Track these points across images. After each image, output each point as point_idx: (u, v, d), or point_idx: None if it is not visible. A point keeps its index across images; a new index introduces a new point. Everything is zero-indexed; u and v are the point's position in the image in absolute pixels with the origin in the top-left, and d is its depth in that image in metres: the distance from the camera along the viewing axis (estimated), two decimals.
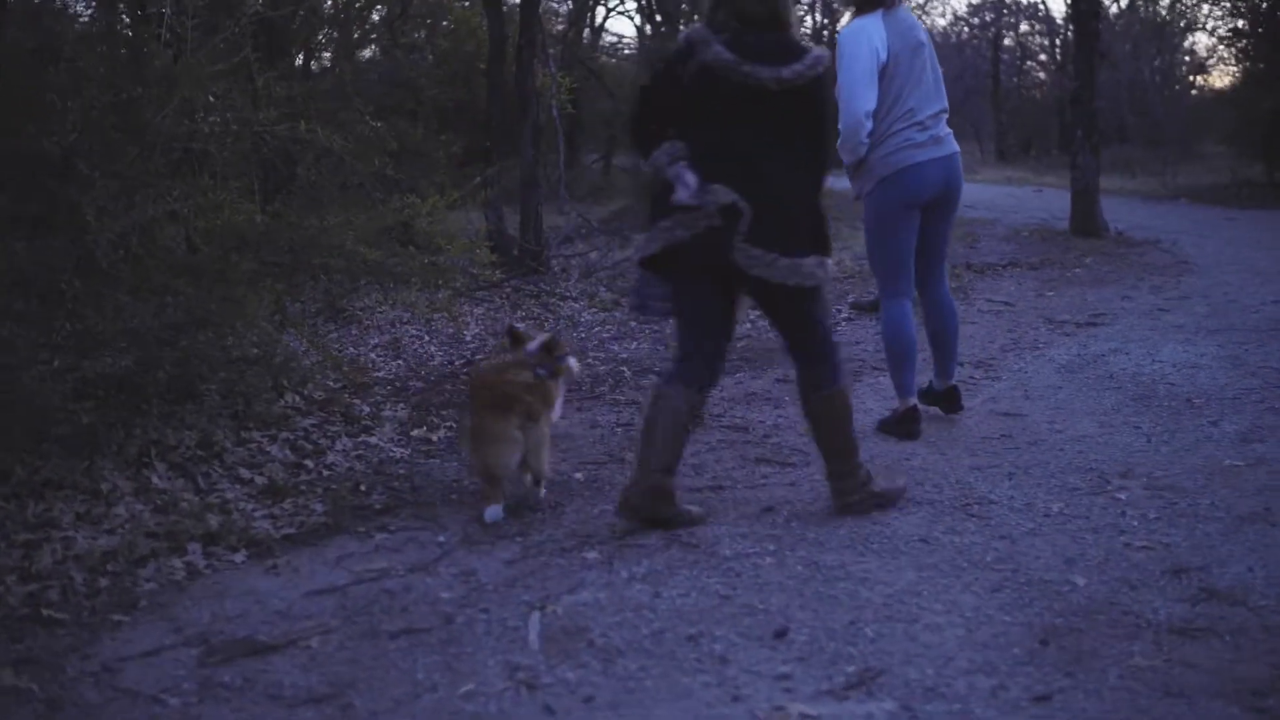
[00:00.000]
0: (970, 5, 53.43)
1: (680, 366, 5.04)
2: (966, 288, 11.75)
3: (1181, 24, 37.84)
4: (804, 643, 3.75)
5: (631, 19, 32.58)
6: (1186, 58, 40.49)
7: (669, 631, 3.87)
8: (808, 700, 3.38)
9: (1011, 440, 6.07)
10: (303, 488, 5.57)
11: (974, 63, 46.36)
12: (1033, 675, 3.49)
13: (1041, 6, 46.20)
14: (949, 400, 6.66)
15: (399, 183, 8.62)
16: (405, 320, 10.25)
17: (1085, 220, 16.49)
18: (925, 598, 4.09)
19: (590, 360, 8.59)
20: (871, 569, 4.38)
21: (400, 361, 8.79)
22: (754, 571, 4.39)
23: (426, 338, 9.80)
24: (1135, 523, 4.78)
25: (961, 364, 7.56)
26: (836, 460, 5.03)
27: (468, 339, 9.69)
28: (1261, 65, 25.12)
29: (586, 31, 32.86)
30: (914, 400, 6.36)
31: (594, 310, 11.00)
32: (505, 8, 16.43)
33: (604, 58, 31.98)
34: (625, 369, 8.26)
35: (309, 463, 6.00)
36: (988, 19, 48.13)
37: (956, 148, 6.32)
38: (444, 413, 7.04)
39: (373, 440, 6.44)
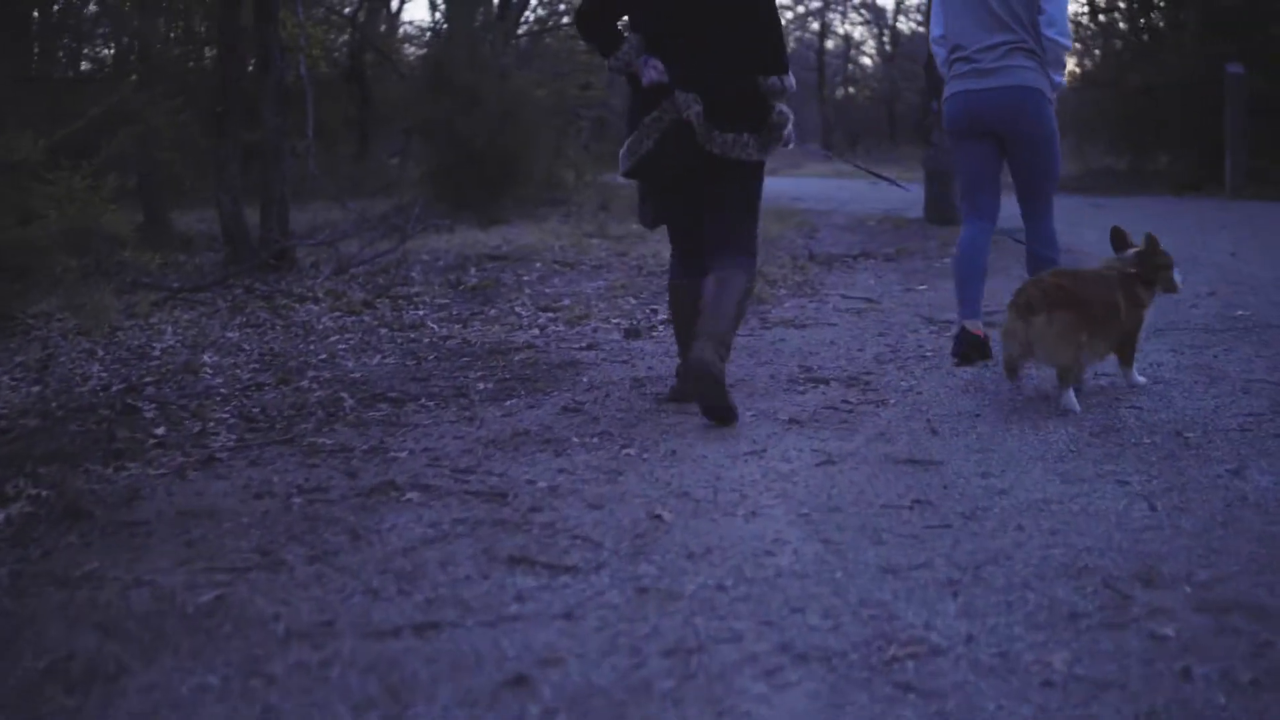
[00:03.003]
0: None
1: (686, 263, 5.55)
2: (814, 282, 9.64)
3: None
4: None
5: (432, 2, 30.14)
6: None
7: None
8: None
9: (933, 511, 3.80)
10: None
11: (801, 55, 45.14)
12: None
13: None
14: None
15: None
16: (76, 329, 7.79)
17: (942, 206, 14.58)
18: None
19: (305, 383, 6.20)
20: None
21: (39, 388, 6.33)
22: None
23: (103, 353, 7.31)
24: (1219, 695, 2.54)
25: (827, 381, 5.79)
26: (717, 331, 5.04)
27: (155, 353, 7.23)
28: (1119, 44, 24.04)
29: (384, 14, 30.72)
30: (967, 323, 6.33)
31: (336, 314, 8.58)
32: None
33: (405, 45, 29.71)
34: (348, 395, 5.86)
35: None
36: (812, 7, 46.88)
37: (1006, 81, 6.30)
38: (43, 471, 4.56)
39: None
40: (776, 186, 27.63)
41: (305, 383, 6.23)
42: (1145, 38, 23.91)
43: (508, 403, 5.58)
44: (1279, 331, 6.81)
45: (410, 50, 29.48)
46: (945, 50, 6.55)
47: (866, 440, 4.70)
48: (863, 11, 47.54)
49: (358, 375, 6.43)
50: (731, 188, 5.38)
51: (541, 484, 4.19)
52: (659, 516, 3.77)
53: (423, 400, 5.71)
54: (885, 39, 44.65)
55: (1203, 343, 6.51)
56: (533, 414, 5.33)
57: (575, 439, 4.80)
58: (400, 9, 30.53)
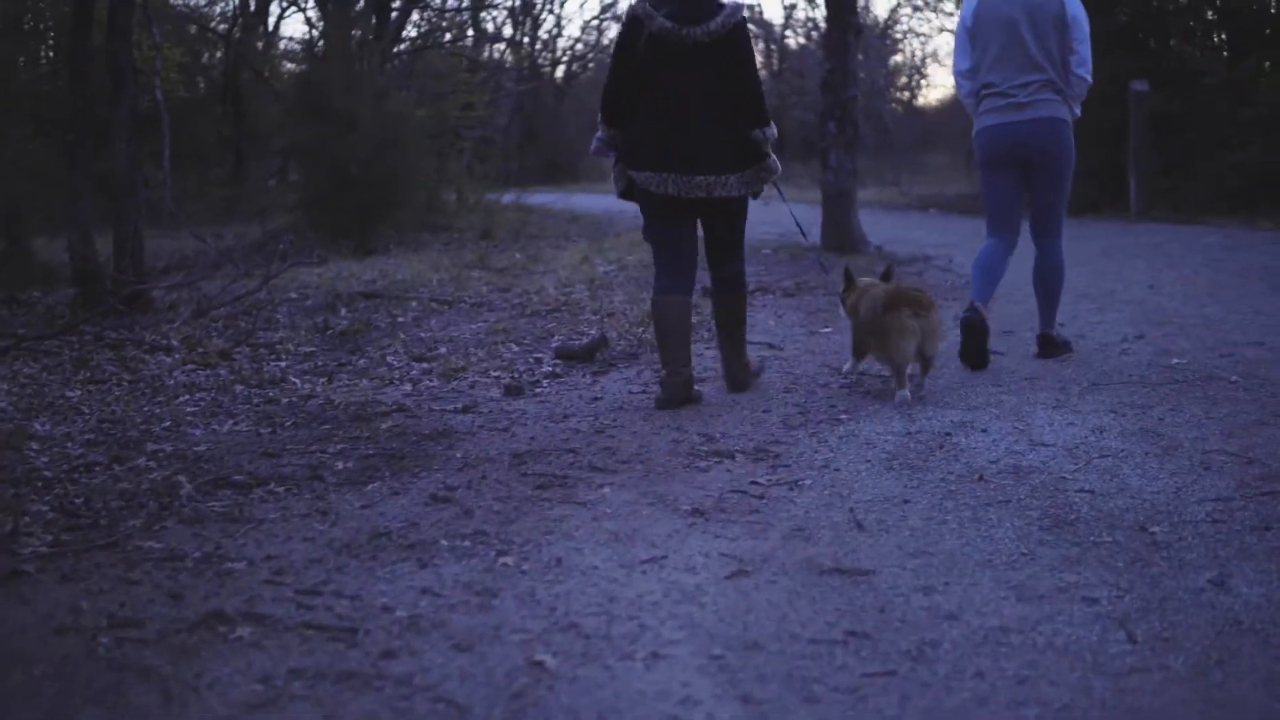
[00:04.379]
0: None
1: (674, 280, 6.52)
2: (709, 322, 8.99)
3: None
4: None
5: (307, 18, 29.24)
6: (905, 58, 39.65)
7: None
8: None
9: (871, 648, 3.17)
10: None
11: None
12: None
13: (758, 5, 44.61)
14: (1042, 345, 7.47)
15: None
16: None
17: (841, 233, 14.07)
18: None
19: (142, 460, 5.46)
20: None
21: None
22: None
23: None
24: None
25: (733, 455, 5.16)
26: (735, 350, 6.72)
27: None
28: None
29: (262, 30, 29.83)
30: (978, 303, 7.16)
31: (190, 367, 7.83)
32: None
33: (283, 62, 28.79)
34: (188, 478, 5.12)
35: None
36: None
37: (1040, 114, 7.13)
38: None
39: None
40: None
41: (142, 460, 5.48)
42: None
43: (369, 487, 4.89)
44: (1223, 385, 6.31)
45: (289, 67, 28.63)
46: (971, 84, 7.39)
47: (783, 538, 4.08)
48: (750, 26, 47.14)
49: (203, 449, 5.70)
50: (723, 221, 6.62)
51: (400, 612, 3.50)
52: (540, 664, 3.11)
53: (272, 484, 4.99)
54: (773, 54, 44.20)
55: (1144, 400, 5.99)
56: (396, 505, 4.64)
57: (444, 541, 4.12)
58: (278, 24, 29.59)
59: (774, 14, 52.89)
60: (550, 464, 5.17)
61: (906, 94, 41.34)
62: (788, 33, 46.75)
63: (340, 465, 5.28)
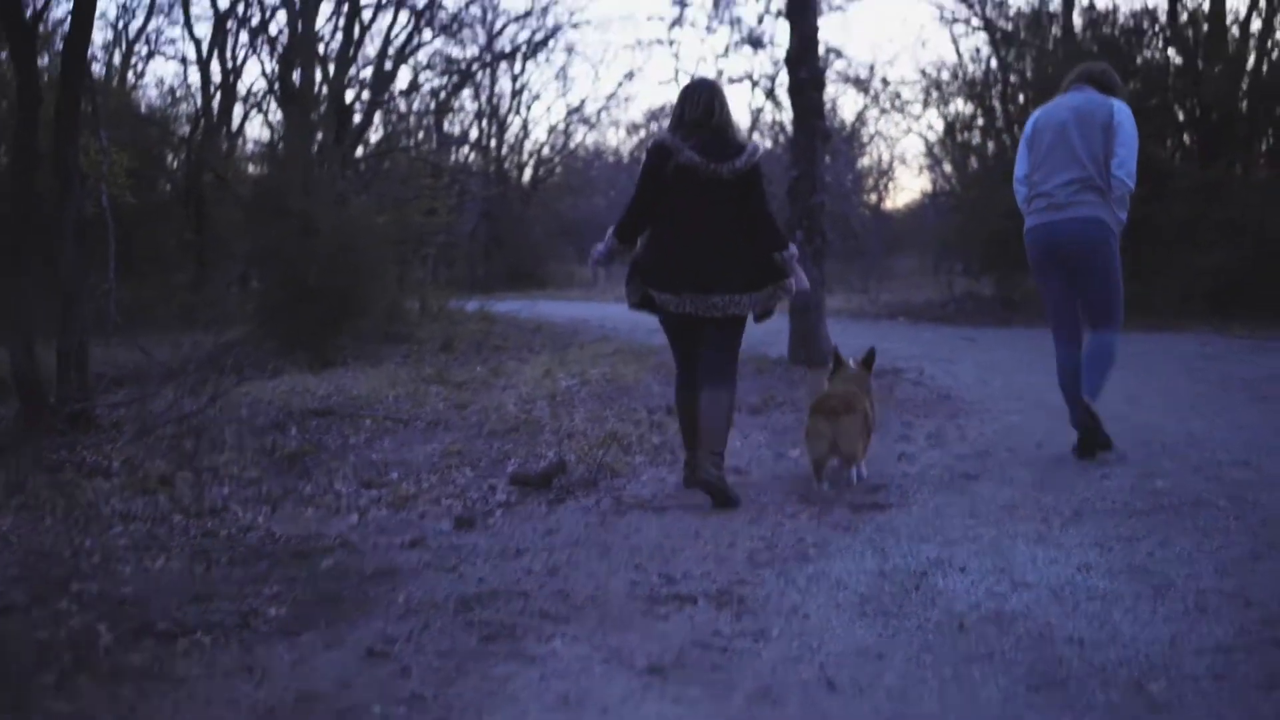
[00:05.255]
0: (647, 111, 52.26)
1: (693, 377, 7.18)
2: (673, 443, 8.74)
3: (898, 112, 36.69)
4: None
5: (268, 120, 29.11)
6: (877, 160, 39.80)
7: None
8: None
9: None
10: None
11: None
12: None
13: None
14: (1079, 412, 7.70)
15: None
16: None
17: (809, 346, 13.76)
18: None
19: (64, 603, 5.10)
20: None
21: None
22: None
23: None
24: None
25: (694, 599, 4.84)
26: (712, 443, 6.91)
27: None
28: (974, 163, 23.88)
29: (225, 133, 29.70)
30: (1087, 399, 7.53)
31: (129, 494, 7.48)
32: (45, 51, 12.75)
33: (247, 165, 28.66)
34: (109, 626, 4.76)
35: None
36: (665, 125, 46.54)
37: (1077, 213, 7.46)
38: None
39: None
40: (633, 317, 26.75)
41: (64, 603, 5.12)
42: (1009, 155, 23.67)
43: (302, 638, 4.55)
44: (1212, 512, 6.04)
45: (253, 170, 28.51)
46: (1028, 189, 7.77)
47: (747, 700, 3.76)
48: None
49: (130, 589, 5.34)
50: (723, 332, 7.09)
51: None
52: None
53: (199, 634, 4.63)
54: None
55: (1130, 532, 5.70)
56: (329, 660, 4.29)
57: (377, 707, 3.79)
58: (242, 126, 29.47)
59: (741, 118, 53.04)
60: (499, 610, 4.84)
61: (874, 197, 41.47)
62: (755, 136, 46.93)
63: (273, 611, 4.94)
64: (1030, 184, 7.74)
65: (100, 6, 26.10)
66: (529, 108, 65.82)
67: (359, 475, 7.90)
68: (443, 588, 5.23)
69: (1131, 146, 7.48)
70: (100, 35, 35.99)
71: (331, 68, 23.03)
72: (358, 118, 24.20)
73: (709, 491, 6.78)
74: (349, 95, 23.60)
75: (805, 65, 14.46)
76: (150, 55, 30.36)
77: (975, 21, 26.05)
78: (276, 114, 27.70)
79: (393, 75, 25.35)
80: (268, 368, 14.85)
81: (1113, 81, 7.85)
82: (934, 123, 34.03)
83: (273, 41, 24.70)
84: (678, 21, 43.41)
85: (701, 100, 7.01)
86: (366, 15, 24.60)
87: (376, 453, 8.74)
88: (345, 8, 23.57)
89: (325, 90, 23.07)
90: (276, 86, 25.00)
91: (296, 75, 22.52)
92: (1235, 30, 21.71)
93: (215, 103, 29.21)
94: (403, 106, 26.88)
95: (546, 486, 7.31)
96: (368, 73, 25.40)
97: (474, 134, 46.49)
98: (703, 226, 6.90)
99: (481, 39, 27.11)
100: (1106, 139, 7.45)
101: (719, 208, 6.88)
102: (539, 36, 28.05)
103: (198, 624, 4.78)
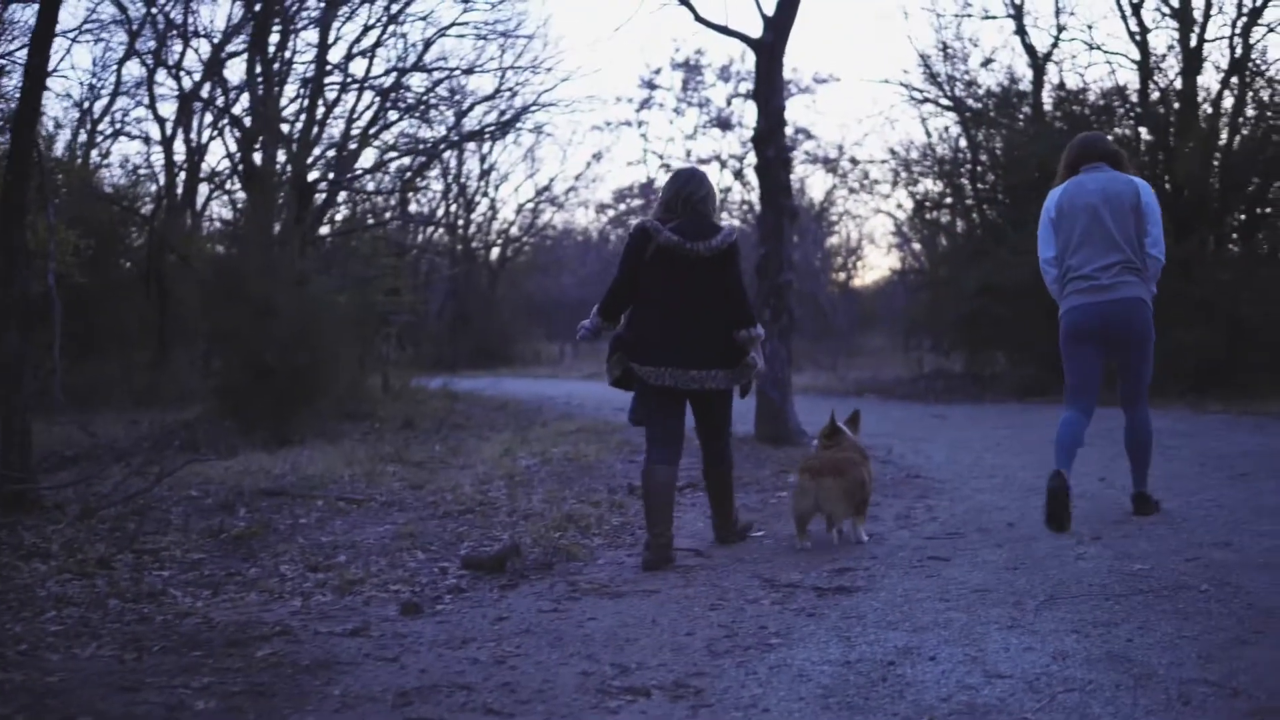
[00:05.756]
0: (615, 191, 52.32)
1: (663, 453, 7.46)
2: (634, 524, 8.55)
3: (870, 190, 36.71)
4: None
5: (231, 200, 28.88)
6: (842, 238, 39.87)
7: None
8: None
9: None
10: None
11: (620, 252, 44.84)
12: None
13: None
14: (1137, 504, 8.23)
15: None
16: None
17: (775, 423, 13.55)
18: None
19: None
20: None
21: None
22: None
23: None
24: None
25: (648, 692, 4.54)
26: (723, 514, 7.89)
27: None
28: (943, 241, 23.83)
29: (189, 212, 29.45)
30: (1061, 469, 7.74)
31: (66, 577, 7.17)
32: None
33: (207, 243, 28.36)
34: (26, 718, 4.49)
35: None
36: (634, 205, 46.72)
37: (1122, 294, 7.81)
38: None
39: None
40: (598, 394, 26.71)
41: None
42: (979, 234, 23.63)
43: None
44: (1193, 595, 5.77)
45: (217, 249, 28.23)
46: (1058, 270, 8.05)
47: None
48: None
49: (56, 679, 5.04)
50: (712, 408, 7.66)
51: None
52: None
53: None
54: None
55: (1108, 616, 5.43)
56: None
57: None
58: (206, 204, 29.21)
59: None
60: (439, 704, 4.55)
61: (843, 275, 41.45)
62: (723, 215, 47.00)
63: (201, 705, 4.64)
64: (1063, 266, 8.01)
65: (63, 86, 25.89)
66: (497, 187, 65.86)
67: (306, 558, 7.62)
68: (382, 679, 4.94)
69: (1160, 223, 7.95)
70: (65, 114, 35.80)
71: (295, 147, 22.86)
72: (322, 197, 23.99)
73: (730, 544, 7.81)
74: (313, 175, 23.39)
75: (772, 144, 14.44)
76: (116, 134, 29.79)
77: (944, 101, 26.03)
78: (240, 194, 27.51)
79: (356, 155, 25.16)
80: (223, 447, 14.58)
81: (1122, 156, 8.22)
82: (903, 201, 34.04)
83: (236, 121, 24.52)
84: (646, 103, 43.40)
85: (684, 186, 7.57)
86: (331, 95, 24.42)
87: (327, 534, 8.46)
88: (309, 89, 23.42)
89: (289, 170, 22.92)
90: (240, 167, 24.83)
91: (259, 155, 22.39)
92: (1207, 108, 21.71)
93: (180, 182, 29.00)
94: (371, 185, 26.68)
95: (500, 570, 7.03)
96: (333, 153, 25.29)
97: (441, 213, 46.39)
98: (681, 304, 7.35)
99: (450, 119, 26.89)
100: (1138, 220, 7.82)
101: (697, 286, 7.36)
102: (506, 117, 27.82)
103: (121, 716, 4.50)
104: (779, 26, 14.62)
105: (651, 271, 7.39)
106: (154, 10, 23.83)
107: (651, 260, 7.37)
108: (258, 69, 22.63)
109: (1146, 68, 22.22)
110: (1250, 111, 21.56)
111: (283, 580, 7.04)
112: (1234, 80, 21.50)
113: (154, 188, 29.40)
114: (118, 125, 29.82)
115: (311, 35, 23.56)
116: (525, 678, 4.86)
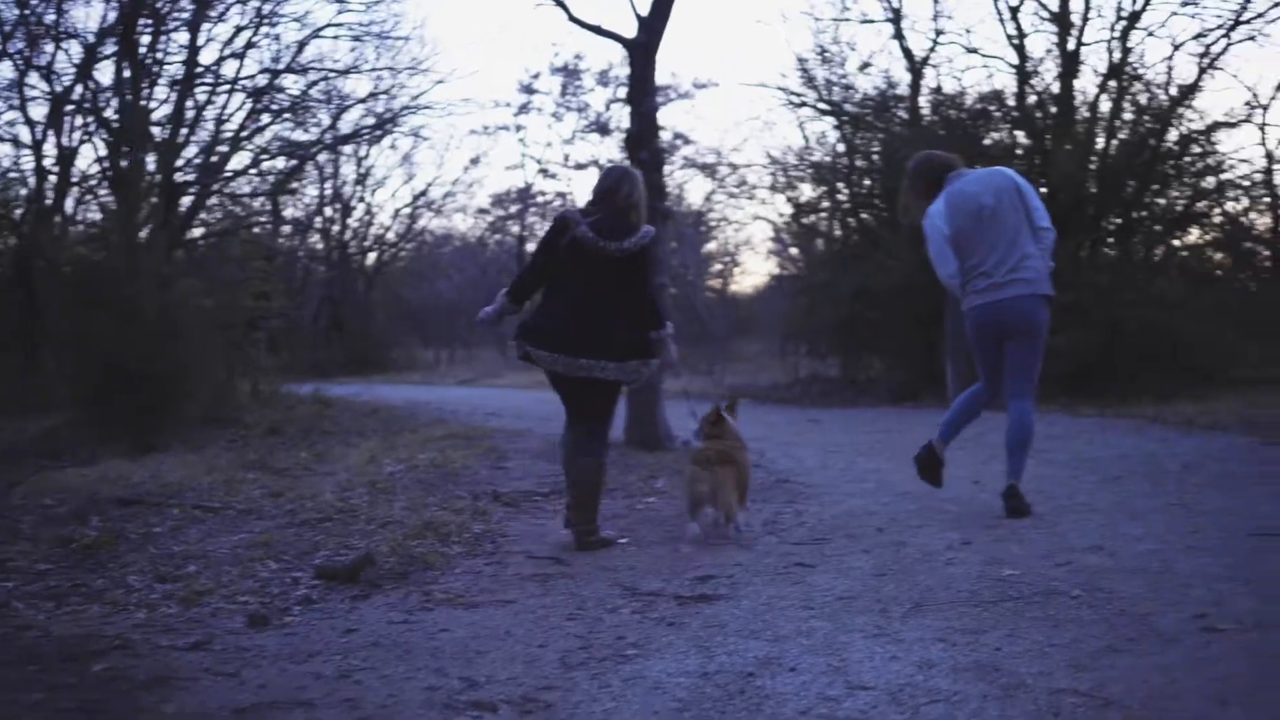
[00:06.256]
0: (493, 196, 52.01)
1: (581, 444, 7.80)
2: (495, 533, 8.31)
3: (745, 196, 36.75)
4: None
5: (99, 200, 28.17)
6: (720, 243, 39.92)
7: None
8: None
9: None
10: None
11: (498, 257, 44.72)
12: None
13: (570, 196, 44.60)
14: (1008, 498, 8.24)
15: None
16: None
17: (644, 428, 13.43)
18: None
19: None
20: None
21: None
22: None
23: None
24: None
25: (494, 707, 4.36)
26: (583, 510, 7.76)
27: None
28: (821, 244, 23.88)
29: (59, 218, 28.76)
30: (935, 443, 8.65)
31: None
32: None
33: (76, 249, 27.69)
34: None
35: None
36: (512, 210, 46.53)
37: (1020, 290, 8.12)
38: None
39: None
40: (471, 398, 26.50)
41: None
42: (855, 239, 23.67)
43: None
44: (1064, 602, 5.68)
45: (86, 253, 27.59)
46: (963, 277, 8.34)
47: None
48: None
49: None
50: (593, 398, 7.79)
51: None
52: None
53: None
54: None
55: (976, 624, 5.32)
56: None
57: None
58: (78, 209, 28.44)
59: (582, 203, 53.07)
60: None
61: (721, 281, 41.49)
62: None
63: None
64: (965, 268, 8.30)
65: None
66: (374, 192, 65.13)
67: (155, 568, 7.32)
68: (218, 696, 4.70)
69: (1039, 198, 8.34)
70: None
71: (163, 150, 22.37)
72: (190, 200, 23.52)
73: (584, 548, 7.67)
74: (182, 177, 22.91)
75: (645, 147, 14.33)
76: None
77: (822, 105, 26.03)
78: (110, 198, 26.89)
79: (228, 158, 24.70)
80: (83, 454, 14.17)
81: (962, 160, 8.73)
82: (781, 207, 34.10)
83: (105, 124, 23.94)
84: (525, 108, 43.22)
85: (614, 184, 7.84)
86: (203, 97, 23.94)
87: (179, 544, 8.16)
88: (179, 90, 22.92)
89: (158, 173, 22.44)
90: (109, 170, 24.27)
91: (126, 158, 21.88)
92: (1085, 111, 21.89)
93: (50, 185, 28.32)
94: (246, 188, 26.22)
95: (353, 580, 6.79)
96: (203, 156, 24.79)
97: (318, 218, 45.81)
98: (588, 297, 7.59)
99: (325, 122, 26.50)
100: (1023, 202, 8.20)
101: (606, 282, 7.60)
102: (384, 118, 27.49)
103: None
104: (653, 27, 14.50)
105: (563, 262, 7.65)
106: (26, 11, 23.19)
107: (566, 250, 7.63)
108: (125, 72, 22.11)
109: (1024, 71, 22.35)
110: (1128, 115, 21.77)
111: (129, 592, 6.75)
112: (1112, 84, 21.71)
113: (23, 192, 28.70)
114: None
115: (183, 37, 23.07)
116: (369, 693, 4.65)
